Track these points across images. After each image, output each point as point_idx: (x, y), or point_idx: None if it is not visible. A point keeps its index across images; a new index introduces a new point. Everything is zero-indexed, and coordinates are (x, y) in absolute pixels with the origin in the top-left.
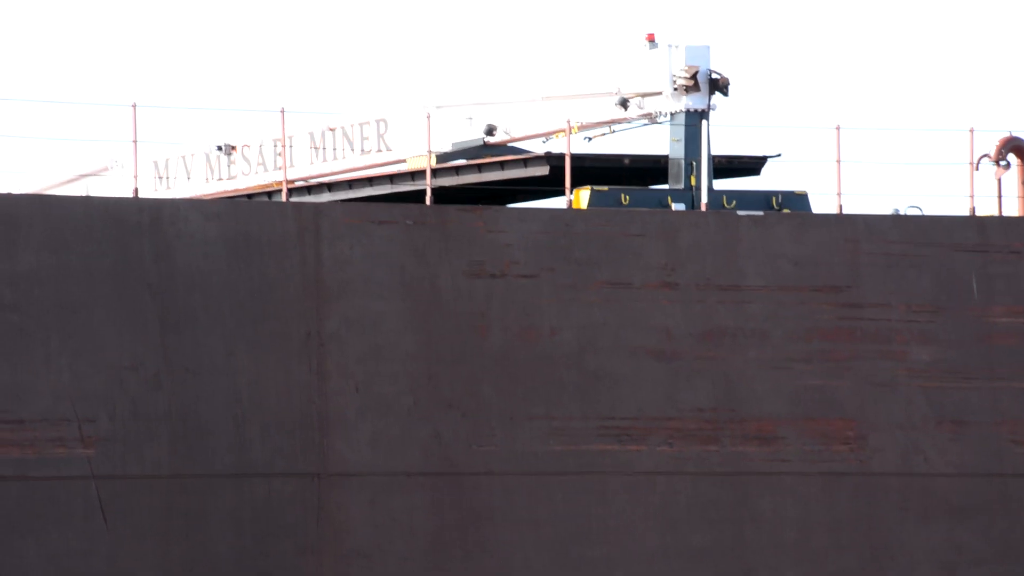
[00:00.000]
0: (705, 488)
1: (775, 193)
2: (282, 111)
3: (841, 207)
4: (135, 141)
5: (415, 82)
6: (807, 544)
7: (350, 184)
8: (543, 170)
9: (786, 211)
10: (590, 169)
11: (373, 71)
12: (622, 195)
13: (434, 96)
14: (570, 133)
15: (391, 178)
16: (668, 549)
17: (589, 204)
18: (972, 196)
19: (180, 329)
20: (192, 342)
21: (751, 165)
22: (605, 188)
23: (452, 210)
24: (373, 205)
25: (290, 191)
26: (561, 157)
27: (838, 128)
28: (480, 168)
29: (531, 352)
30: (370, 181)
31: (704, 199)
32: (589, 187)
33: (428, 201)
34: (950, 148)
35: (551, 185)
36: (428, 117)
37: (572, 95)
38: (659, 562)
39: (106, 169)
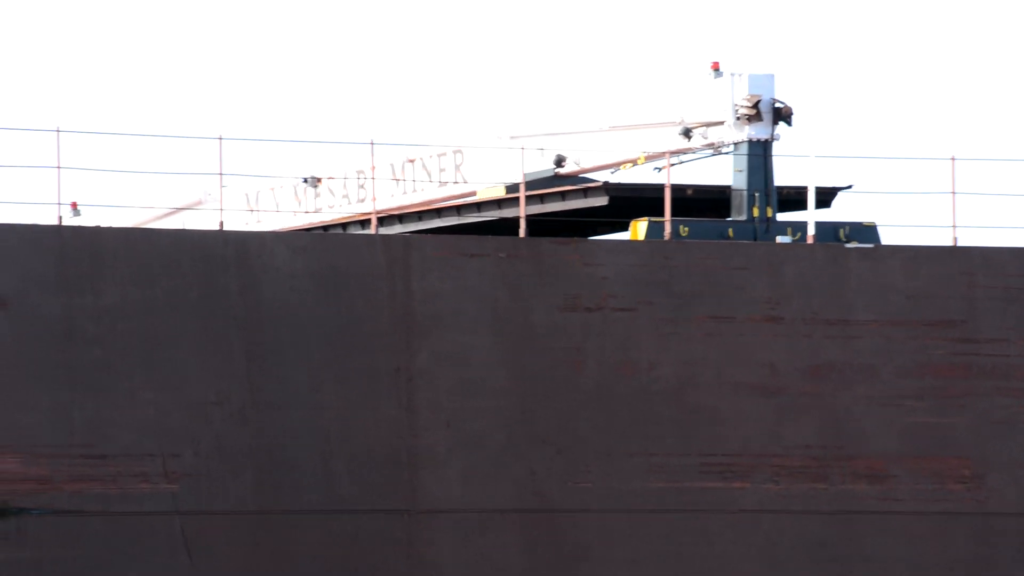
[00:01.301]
0: (813, 527)
1: (842, 224)
2: (371, 143)
3: (956, 239)
4: (221, 174)
5: (488, 113)
6: None
7: (419, 215)
8: (602, 200)
9: (854, 243)
10: (651, 200)
11: (446, 102)
12: (681, 227)
13: (507, 127)
14: (669, 161)
15: (458, 209)
16: None
17: (646, 236)
18: None
19: (266, 363)
20: (278, 376)
21: (821, 197)
22: (663, 219)
23: (546, 243)
24: (464, 237)
25: (361, 223)
26: (620, 188)
27: (953, 159)
28: (542, 199)
29: (629, 387)
30: (438, 212)
31: (811, 231)
32: (647, 219)
33: (522, 233)
34: None
35: (611, 215)
36: (523, 149)
37: (637, 125)
38: None
39: (199, 202)
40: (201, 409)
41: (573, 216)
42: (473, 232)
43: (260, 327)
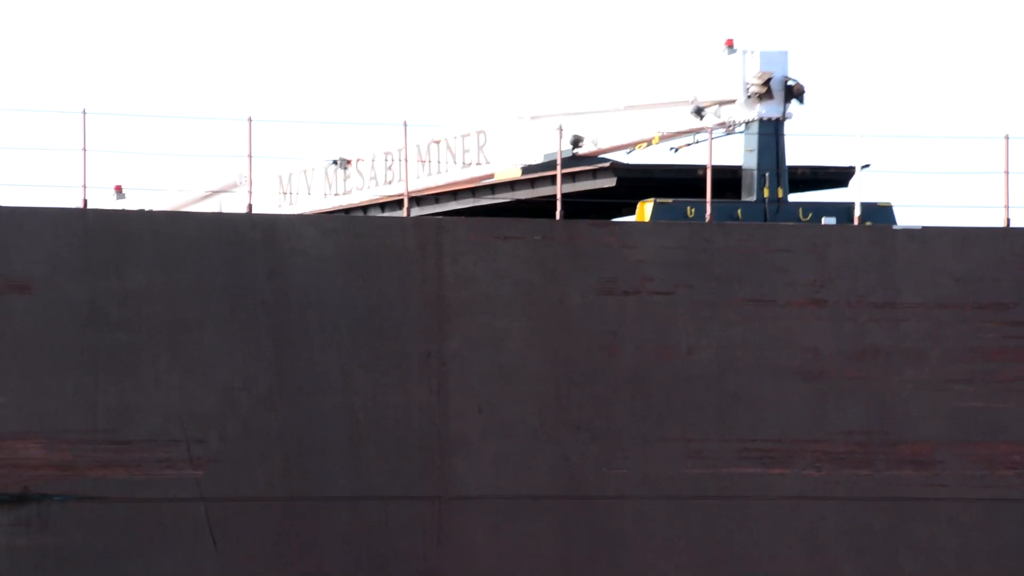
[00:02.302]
0: (856, 513)
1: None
2: (404, 124)
3: (1008, 220)
4: (250, 156)
5: (508, 94)
6: (968, 574)
7: (436, 198)
8: (610, 182)
9: (868, 224)
10: (660, 181)
11: (466, 83)
12: (688, 208)
13: (528, 107)
14: (710, 137)
15: (473, 191)
16: None
17: (652, 217)
18: None
19: (294, 347)
20: (307, 361)
21: (837, 177)
22: (669, 200)
23: (582, 225)
24: (497, 220)
25: (381, 206)
26: (628, 168)
27: (1007, 138)
28: (554, 180)
29: (666, 372)
30: (454, 194)
31: (858, 212)
32: (652, 199)
33: (558, 216)
34: None
35: (619, 196)
36: (560, 129)
37: (651, 104)
38: None
39: (235, 185)
40: (227, 394)
41: (583, 198)
42: (490, 214)
43: (288, 311)
